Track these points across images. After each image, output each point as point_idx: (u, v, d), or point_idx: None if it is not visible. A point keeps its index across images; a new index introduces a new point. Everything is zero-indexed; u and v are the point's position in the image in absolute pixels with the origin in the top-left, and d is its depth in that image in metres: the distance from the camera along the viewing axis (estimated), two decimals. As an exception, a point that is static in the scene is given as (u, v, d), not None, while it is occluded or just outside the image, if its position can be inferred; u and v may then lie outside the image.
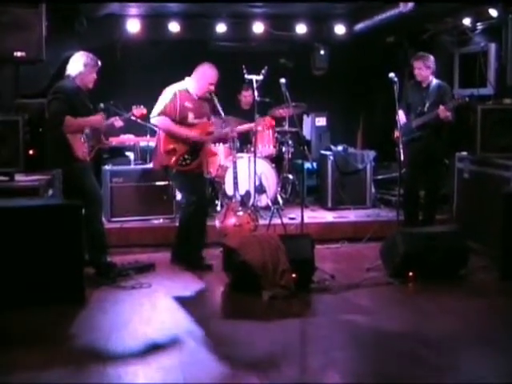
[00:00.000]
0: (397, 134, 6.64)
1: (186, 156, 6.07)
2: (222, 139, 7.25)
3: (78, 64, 5.78)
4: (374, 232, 6.94)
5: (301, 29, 8.85)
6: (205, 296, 5.43)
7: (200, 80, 6.14)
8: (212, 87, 6.18)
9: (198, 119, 6.17)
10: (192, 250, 6.18)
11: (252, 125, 7.09)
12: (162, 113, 5.99)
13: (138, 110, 6.53)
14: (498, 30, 7.40)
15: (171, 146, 6.03)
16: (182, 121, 6.04)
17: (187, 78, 6.18)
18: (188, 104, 6.06)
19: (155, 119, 6.02)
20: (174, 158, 6.03)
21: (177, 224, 6.77)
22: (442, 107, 6.54)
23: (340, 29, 8.89)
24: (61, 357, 4.05)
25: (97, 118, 5.85)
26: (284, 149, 8.33)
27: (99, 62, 5.89)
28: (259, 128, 7.49)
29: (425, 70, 6.80)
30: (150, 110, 6.65)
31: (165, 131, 6.02)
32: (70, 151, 5.63)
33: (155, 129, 6.23)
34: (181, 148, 6.04)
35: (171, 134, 6.02)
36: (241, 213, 6.80)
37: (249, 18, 8.65)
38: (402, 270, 5.67)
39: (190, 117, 6.09)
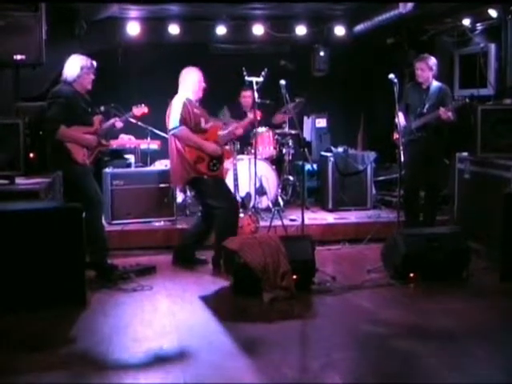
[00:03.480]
0: (396, 135, 6.66)
1: (215, 161, 6.07)
2: (230, 139, 7.17)
3: (74, 67, 5.76)
4: (375, 233, 6.94)
5: (301, 30, 8.86)
6: (205, 298, 5.43)
7: (192, 85, 6.13)
8: (203, 84, 6.18)
9: (208, 124, 6.17)
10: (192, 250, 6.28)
11: (246, 120, 6.97)
12: (182, 122, 5.91)
13: (139, 110, 6.53)
14: (497, 31, 7.42)
15: (198, 154, 5.99)
16: (196, 128, 6.02)
17: (180, 90, 6.14)
18: (196, 111, 6.06)
19: (177, 129, 5.92)
20: (204, 165, 6.00)
21: (178, 226, 6.81)
22: (442, 109, 6.55)
23: (340, 30, 8.90)
24: (61, 359, 4.05)
25: (90, 139, 5.79)
26: (284, 150, 8.33)
27: (94, 63, 5.88)
28: (258, 129, 7.37)
29: (427, 72, 6.81)
30: (150, 112, 6.66)
31: (186, 141, 5.96)
32: (68, 155, 5.64)
33: (170, 141, 6.11)
34: (206, 154, 6.02)
35: (192, 144, 5.98)
36: (241, 215, 6.80)
37: (249, 20, 8.66)
38: (403, 271, 5.67)
39: (203, 123, 6.10)
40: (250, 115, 6.83)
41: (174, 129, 5.96)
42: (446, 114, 6.55)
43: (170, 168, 6.38)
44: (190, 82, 6.14)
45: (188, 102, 6.02)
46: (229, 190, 6.45)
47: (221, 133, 6.35)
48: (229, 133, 6.51)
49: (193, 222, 6.71)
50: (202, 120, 6.10)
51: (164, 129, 6.62)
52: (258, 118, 6.94)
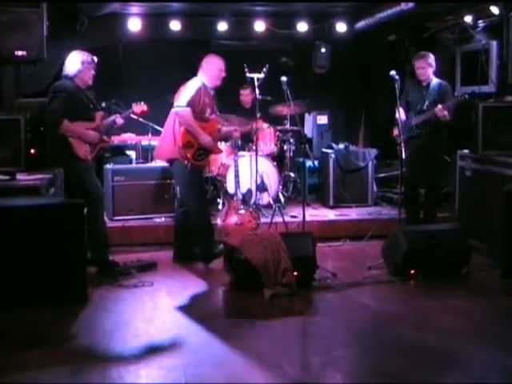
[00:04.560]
0: (395, 131, 6.67)
1: (201, 151, 6.05)
2: (225, 138, 7.23)
3: (75, 63, 5.77)
4: (376, 230, 6.94)
5: (302, 27, 8.86)
6: (206, 295, 5.43)
7: (212, 71, 6.12)
8: (223, 74, 6.17)
9: (212, 115, 6.17)
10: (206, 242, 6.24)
11: (247, 128, 7.00)
12: (189, 103, 5.88)
13: (138, 107, 6.53)
14: (499, 28, 7.41)
15: (189, 140, 5.97)
16: (200, 115, 6.00)
17: (200, 73, 6.12)
18: (207, 100, 6.06)
19: (182, 108, 5.88)
20: (191, 152, 5.98)
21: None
22: (439, 106, 6.54)
23: (341, 27, 8.89)
24: (62, 356, 4.05)
25: (92, 135, 5.80)
26: (285, 147, 8.33)
27: (95, 59, 5.88)
28: (260, 127, 7.36)
29: (428, 69, 6.80)
30: (151, 108, 6.68)
31: (184, 123, 5.94)
32: (70, 150, 5.64)
33: (172, 121, 6.10)
34: (195, 142, 6.01)
35: (189, 128, 5.95)
36: (242, 211, 6.81)
37: (250, 17, 8.65)
38: (404, 268, 5.67)
39: (208, 112, 6.09)
40: (254, 124, 6.83)
41: (179, 107, 5.91)
42: (441, 112, 6.54)
43: (158, 141, 6.33)
44: (211, 68, 6.12)
45: (203, 87, 6.01)
46: (202, 185, 6.44)
47: (220, 127, 6.36)
48: (226, 132, 6.52)
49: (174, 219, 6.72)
50: (208, 110, 6.09)
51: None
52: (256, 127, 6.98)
